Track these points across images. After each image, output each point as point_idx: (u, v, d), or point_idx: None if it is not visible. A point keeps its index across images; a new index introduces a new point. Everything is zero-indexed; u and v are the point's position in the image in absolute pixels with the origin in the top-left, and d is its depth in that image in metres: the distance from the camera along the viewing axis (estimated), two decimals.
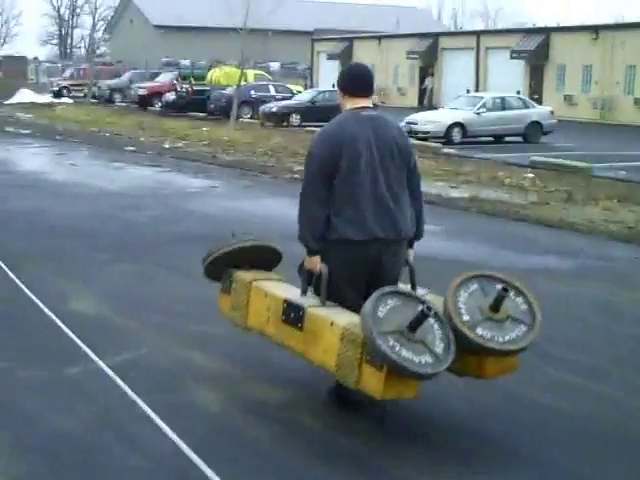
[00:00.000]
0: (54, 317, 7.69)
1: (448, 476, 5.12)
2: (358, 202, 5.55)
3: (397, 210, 5.65)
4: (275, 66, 66.50)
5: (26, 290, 8.59)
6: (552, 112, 32.41)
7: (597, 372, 7.06)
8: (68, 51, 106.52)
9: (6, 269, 9.46)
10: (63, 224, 12.80)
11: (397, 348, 4.91)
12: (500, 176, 20.60)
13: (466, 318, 5.28)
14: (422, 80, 56.69)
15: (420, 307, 5.02)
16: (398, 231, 5.66)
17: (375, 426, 5.70)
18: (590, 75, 45.79)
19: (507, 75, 49.27)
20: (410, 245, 5.91)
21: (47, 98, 54.30)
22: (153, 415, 5.65)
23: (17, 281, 8.95)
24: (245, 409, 5.94)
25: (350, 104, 5.78)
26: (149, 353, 7.04)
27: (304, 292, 5.76)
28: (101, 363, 6.57)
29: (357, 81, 5.84)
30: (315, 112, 36.22)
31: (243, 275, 6.11)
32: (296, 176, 19.78)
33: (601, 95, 44.73)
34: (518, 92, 40.56)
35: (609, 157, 24.50)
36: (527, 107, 32.05)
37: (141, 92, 47.01)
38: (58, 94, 56.33)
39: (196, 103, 41.83)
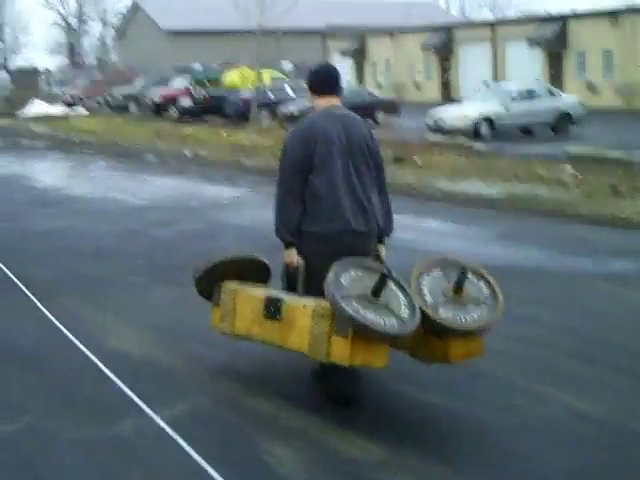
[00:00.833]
0: (95, 359, 6.90)
1: None
2: (332, 196, 5.81)
3: (368, 203, 5.91)
4: (286, 66, 65.84)
5: (61, 327, 7.80)
6: (580, 102, 31.45)
7: None
8: (78, 60, 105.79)
9: (35, 301, 8.69)
10: (90, 245, 12.04)
11: (361, 310, 5.16)
12: (537, 171, 19.77)
13: (429, 300, 5.54)
14: (443, 73, 55.77)
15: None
16: (370, 223, 5.91)
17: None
18: (611, 61, 44.74)
19: (525, 64, 48.28)
20: (380, 241, 6.12)
21: (60, 109, 53.63)
22: None
23: (49, 315, 8.18)
24: (329, 469, 5.13)
25: (321, 102, 6.10)
26: (208, 402, 6.22)
27: (285, 287, 6.03)
28: (155, 417, 5.77)
29: (325, 81, 6.15)
30: None
31: (229, 284, 6.28)
32: None
33: (624, 80, 43.66)
34: (537, 80, 39.78)
35: None
36: (555, 97, 31.13)
37: (155, 99, 46.25)
38: (71, 104, 55.67)
39: (212, 107, 41.06)
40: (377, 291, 5.33)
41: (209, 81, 43.37)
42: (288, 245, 5.96)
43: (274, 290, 6.12)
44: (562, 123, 30.12)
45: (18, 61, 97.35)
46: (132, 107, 50.78)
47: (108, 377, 6.49)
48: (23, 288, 9.08)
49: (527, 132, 29.99)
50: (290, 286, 6.01)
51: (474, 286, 5.73)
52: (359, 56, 62.96)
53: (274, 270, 6.43)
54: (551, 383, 6.48)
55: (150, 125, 38.47)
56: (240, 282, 6.30)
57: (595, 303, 8.92)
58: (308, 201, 5.87)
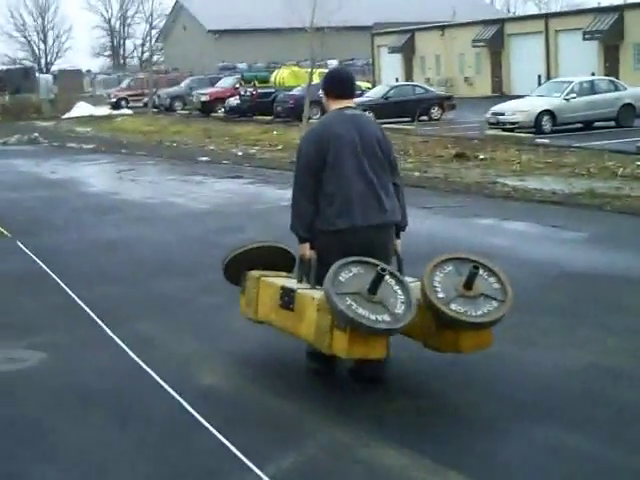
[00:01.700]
0: (185, 404, 5.94)
1: None
2: (346, 192, 6.01)
3: (384, 197, 6.09)
4: (333, 63, 65.01)
5: (139, 361, 6.86)
6: None
7: None
8: (121, 62, 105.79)
9: (107, 329, 7.75)
10: (157, 257, 11.16)
11: (354, 306, 5.40)
12: (610, 166, 18.73)
13: (441, 295, 5.75)
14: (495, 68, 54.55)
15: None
16: (388, 218, 6.13)
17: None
18: None
19: (579, 58, 46.91)
20: (397, 235, 6.35)
21: (105, 110, 53.28)
22: None
23: (123, 346, 7.25)
24: None
25: (334, 105, 6.32)
26: (320, 453, 5.24)
27: (299, 280, 6.28)
28: (261, 474, 4.84)
29: (340, 84, 6.36)
30: (389, 108, 34.50)
31: (254, 273, 6.60)
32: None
33: None
34: (593, 74, 38.57)
35: None
36: (618, 89, 29.88)
37: (203, 98, 45.60)
38: (116, 105, 55.25)
39: (261, 106, 40.24)
40: (373, 288, 5.54)
41: (258, 80, 42.48)
42: (302, 240, 6.22)
43: (291, 280, 6.40)
44: (626, 116, 28.85)
45: (61, 64, 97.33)
46: (178, 107, 50.21)
47: (201, 424, 5.56)
48: (92, 314, 8.20)
49: (589, 126, 28.78)
50: (303, 278, 6.28)
51: (485, 281, 5.90)
52: (408, 52, 61.87)
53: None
54: None
55: (198, 125, 37.79)
56: (264, 270, 6.62)
57: None
58: (321, 198, 6.10)
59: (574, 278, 9.49)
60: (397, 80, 56.27)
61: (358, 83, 43.21)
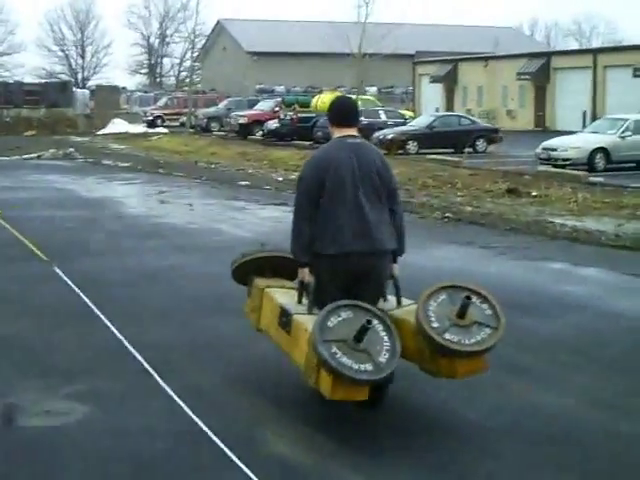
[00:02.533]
0: None
1: None
2: (341, 219, 6.13)
3: (377, 226, 6.19)
4: (372, 90, 64.37)
5: (200, 424, 5.89)
6: None
7: None
8: (157, 80, 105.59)
9: (158, 379, 6.79)
10: (207, 293, 10.17)
11: (338, 355, 5.45)
12: None
13: (435, 325, 5.80)
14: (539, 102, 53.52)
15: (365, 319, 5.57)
16: (378, 245, 6.19)
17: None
18: None
19: (628, 94, 45.76)
20: (394, 260, 6.40)
21: (141, 128, 52.80)
22: None
23: (179, 402, 6.30)
24: None
25: (337, 133, 6.45)
26: None
27: (299, 301, 6.36)
28: None
29: (343, 113, 6.51)
30: (433, 138, 33.67)
31: (259, 282, 6.81)
32: (449, 215, 17.16)
33: None
34: None
35: None
36: None
37: (241, 120, 44.89)
38: (152, 124, 54.69)
39: (301, 131, 39.44)
40: (359, 337, 5.57)
41: (299, 104, 41.69)
42: (302, 265, 6.31)
43: (293, 296, 6.47)
44: None
45: (98, 79, 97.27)
46: (215, 128, 49.57)
47: None
48: (140, 358, 7.27)
49: None
50: (303, 300, 6.38)
51: (477, 308, 5.96)
52: (449, 82, 60.98)
53: None
54: None
55: (235, 147, 37.05)
56: (272, 277, 6.88)
57: None
58: (318, 224, 6.19)
59: None
60: (437, 110, 55.46)
61: (401, 111, 42.56)
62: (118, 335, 7.92)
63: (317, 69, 73.42)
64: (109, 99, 59.89)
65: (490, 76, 57.22)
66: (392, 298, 6.47)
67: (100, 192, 21.38)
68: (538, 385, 7.12)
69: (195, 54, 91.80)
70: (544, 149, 27.86)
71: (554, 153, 27.38)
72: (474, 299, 5.94)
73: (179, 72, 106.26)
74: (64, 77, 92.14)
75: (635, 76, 45.91)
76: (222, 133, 47.54)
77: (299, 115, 40.34)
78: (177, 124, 53.20)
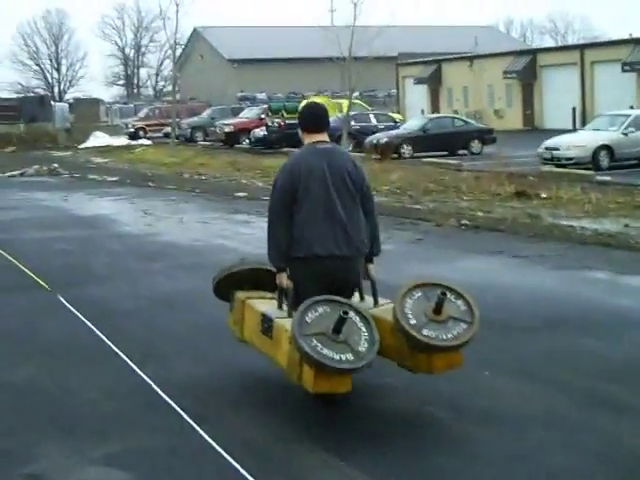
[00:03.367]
0: None
1: None
2: (313, 223, 6.29)
3: (351, 229, 6.36)
4: (354, 94, 63.41)
5: None
6: None
7: None
8: (135, 91, 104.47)
9: (204, 435, 5.86)
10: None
11: (319, 347, 5.61)
12: None
13: (413, 322, 5.97)
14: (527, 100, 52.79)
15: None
16: (353, 248, 6.37)
17: None
18: None
19: (617, 90, 45.13)
20: (370, 260, 6.59)
21: (123, 140, 51.84)
22: None
23: (233, 462, 5.37)
24: None
25: (308, 139, 6.60)
26: None
27: (279, 306, 6.53)
28: None
29: (313, 119, 6.64)
30: (428, 141, 32.82)
31: (240, 294, 6.98)
32: (466, 222, 16.28)
33: None
34: (631, 107, 36.88)
35: None
36: None
37: (227, 129, 43.92)
38: (134, 136, 53.63)
39: (289, 137, 38.43)
40: (337, 328, 5.68)
41: (287, 110, 40.73)
42: (279, 270, 6.41)
43: (273, 305, 6.60)
44: None
45: (75, 92, 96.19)
46: (199, 138, 48.63)
47: None
48: (182, 412, 6.32)
49: None
50: (283, 305, 6.48)
51: (453, 304, 6.10)
52: (434, 83, 60.18)
53: None
54: None
55: (223, 157, 36.13)
56: (253, 290, 7.00)
57: None
58: (295, 229, 6.29)
59: None
60: (423, 112, 54.68)
61: (391, 114, 41.70)
62: (144, 377, 6.98)
63: (298, 75, 72.58)
64: (89, 112, 59.02)
65: (475, 76, 56.45)
66: (369, 298, 6.59)
67: (92, 209, 20.36)
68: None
69: (172, 63, 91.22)
70: (547, 148, 27.07)
71: (557, 152, 26.60)
72: (449, 295, 6.08)
73: (156, 82, 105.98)
74: (40, 91, 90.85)
75: (624, 71, 45.25)
76: (207, 143, 46.60)
77: (287, 122, 39.38)
78: (160, 135, 52.14)
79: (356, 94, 64.18)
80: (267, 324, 6.38)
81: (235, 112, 49.15)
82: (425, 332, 5.91)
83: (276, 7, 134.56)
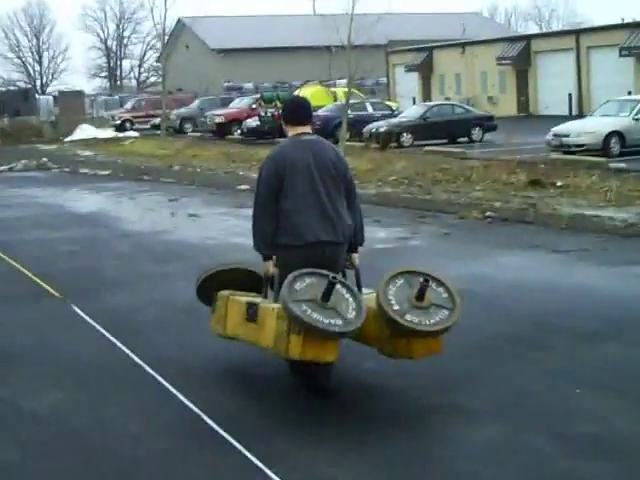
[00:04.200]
0: None
1: None
2: (302, 212, 6.43)
3: (337, 217, 6.52)
4: (342, 83, 62.54)
5: None
6: None
7: None
8: (118, 83, 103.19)
9: (267, 471, 5.05)
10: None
11: (309, 312, 5.79)
12: None
13: (396, 308, 6.11)
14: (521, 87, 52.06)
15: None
16: (338, 234, 6.51)
17: None
18: None
19: (614, 75, 44.42)
20: (354, 250, 6.76)
21: (110, 133, 50.73)
22: None
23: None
24: None
25: (292, 131, 6.76)
26: None
27: (265, 295, 6.72)
28: None
29: (296, 112, 6.84)
30: (428, 129, 32.01)
31: (224, 292, 7.08)
32: (491, 214, 15.44)
33: None
34: (629, 93, 36.20)
35: None
36: None
37: (218, 120, 42.90)
38: (121, 127, 52.55)
39: (281, 127, 37.54)
40: (326, 296, 5.88)
41: (280, 100, 39.76)
42: (265, 258, 6.61)
43: (257, 298, 6.70)
44: None
45: (57, 85, 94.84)
46: (188, 129, 47.65)
47: None
48: (254, 459, 5.41)
49: None
50: (269, 294, 6.63)
51: (434, 292, 6.27)
52: (425, 70, 59.36)
53: None
54: None
55: (215, 148, 35.23)
56: (234, 290, 7.00)
57: None
58: (279, 218, 6.45)
59: None
60: (414, 100, 53.85)
61: (388, 103, 40.78)
62: (193, 408, 6.07)
63: (285, 64, 71.58)
64: (74, 105, 57.48)
65: (468, 63, 55.67)
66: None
67: (90, 206, 19.38)
68: None
69: (156, 54, 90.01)
70: (555, 135, 26.23)
71: (567, 139, 25.77)
72: (430, 282, 6.20)
73: (139, 74, 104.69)
74: (22, 84, 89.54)
75: (622, 56, 44.48)
76: (197, 134, 45.59)
77: (279, 111, 38.47)
78: (147, 127, 51.09)
79: (342, 82, 63.51)
80: (252, 309, 6.49)
81: (224, 102, 48.14)
82: (408, 317, 6.04)
83: None
